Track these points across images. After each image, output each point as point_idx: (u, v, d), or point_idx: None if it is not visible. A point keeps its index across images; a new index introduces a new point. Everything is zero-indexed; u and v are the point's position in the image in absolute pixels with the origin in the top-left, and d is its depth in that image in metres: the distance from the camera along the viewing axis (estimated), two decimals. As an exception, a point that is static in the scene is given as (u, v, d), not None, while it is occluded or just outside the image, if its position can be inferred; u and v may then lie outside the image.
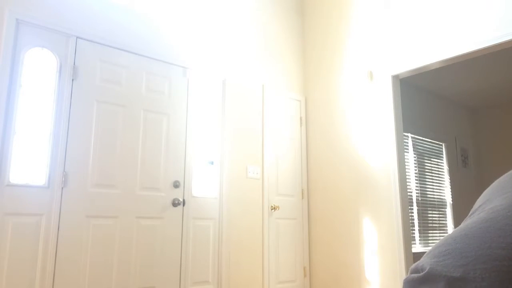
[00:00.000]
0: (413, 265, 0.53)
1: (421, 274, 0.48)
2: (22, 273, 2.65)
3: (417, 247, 5.46)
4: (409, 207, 5.21)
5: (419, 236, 5.54)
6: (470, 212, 0.65)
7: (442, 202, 6.09)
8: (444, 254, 0.48)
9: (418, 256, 5.28)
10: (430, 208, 5.84)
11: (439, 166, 6.20)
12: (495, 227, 0.47)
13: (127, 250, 3.10)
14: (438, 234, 5.84)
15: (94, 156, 3.04)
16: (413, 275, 0.50)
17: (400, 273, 3.51)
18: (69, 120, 2.97)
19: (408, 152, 5.65)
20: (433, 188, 5.98)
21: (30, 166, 2.79)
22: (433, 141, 6.18)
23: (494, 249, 0.44)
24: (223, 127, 3.83)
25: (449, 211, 6.18)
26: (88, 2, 3.18)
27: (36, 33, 2.93)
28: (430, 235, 5.73)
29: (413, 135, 5.80)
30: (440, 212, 6.00)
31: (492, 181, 6.84)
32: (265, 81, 4.27)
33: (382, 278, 3.62)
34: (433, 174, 6.04)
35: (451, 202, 6.25)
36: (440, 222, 5.97)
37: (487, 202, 0.59)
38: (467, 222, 0.56)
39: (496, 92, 6.38)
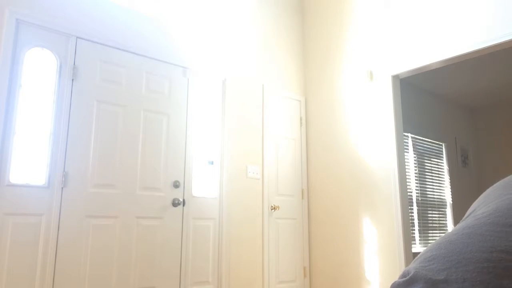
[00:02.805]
0: (401, 272, 0.56)
1: (406, 278, 0.51)
2: (22, 273, 2.65)
3: (417, 247, 5.46)
4: (409, 207, 5.21)
5: (419, 236, 5.54)
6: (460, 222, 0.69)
7: (442, 202, 6.09)
8: (429, 260, 0.50)
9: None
10: (430, 208, 5.84)
11: (439, 166, 6.20)
12: (477, 233, 0.50)
13: (127, 250, 3.10)
14: (438, 234, 5.84)
15: (94, 156, 3.04)
16: (399, 280, 0.53)
17: (400, 273, 3.51)
18: (69, 120, 2.97)
19: (408, 152, 5.65)
20: (433, 188, 5.98)
21: (30, 166, 2.79)
22: (433, 141, 6.19)
23: (475, 253, 0.47)
24: (223, 127, 3.83)
25: (449, 211, 6.19)
26: (88, 2, 3.18)
27: (36, 33, 2.93)
28: (430, 235, 5.73)
29: (413, 135, 5.80)
30: (440, 212, 6.00)
31: (492, 181, 6.84)
32: (265, 81, 4.27)
33: (382, 278, 3.62)
34: (433, 174, 6.04)
35: (451, 202, 6.25)
36: (440, 222, 5.97)
37: (473, 212, 0.63)
38: (452, 230, 0.59)
39: (496, 92, 6.38)
